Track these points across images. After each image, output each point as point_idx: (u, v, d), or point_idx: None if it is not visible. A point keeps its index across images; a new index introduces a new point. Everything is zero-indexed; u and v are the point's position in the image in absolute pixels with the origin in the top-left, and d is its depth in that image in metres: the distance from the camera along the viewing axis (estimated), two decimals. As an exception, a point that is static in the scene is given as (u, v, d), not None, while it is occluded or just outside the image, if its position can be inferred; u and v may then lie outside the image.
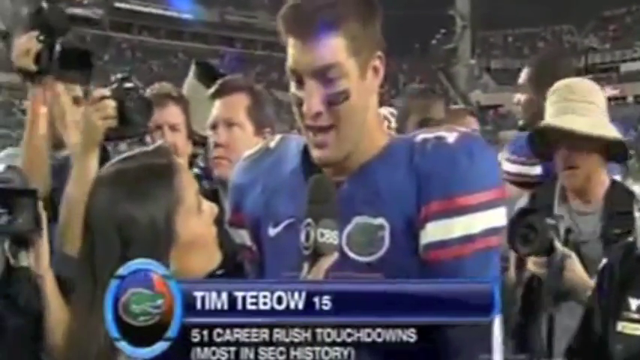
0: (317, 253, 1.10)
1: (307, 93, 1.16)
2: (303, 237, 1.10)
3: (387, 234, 1.17)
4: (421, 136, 1.22)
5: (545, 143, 1.94)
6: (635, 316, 1.47)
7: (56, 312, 1.60)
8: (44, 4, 1.82)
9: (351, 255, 1.18)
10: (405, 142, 1.22)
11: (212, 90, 2.02)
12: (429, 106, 2.56)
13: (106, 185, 1.13)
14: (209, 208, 1.19)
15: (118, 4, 42.32)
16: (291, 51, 1.18)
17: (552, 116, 1.93)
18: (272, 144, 1.36)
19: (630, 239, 1.58)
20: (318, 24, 1.14)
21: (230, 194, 1.38)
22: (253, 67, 43.44)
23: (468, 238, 1.15)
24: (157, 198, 1.11)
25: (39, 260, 1.59)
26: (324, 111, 1.17)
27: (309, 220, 1.10)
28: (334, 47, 1.15)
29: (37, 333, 1.65)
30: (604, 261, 1.61)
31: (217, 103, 1.99)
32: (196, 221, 1.15)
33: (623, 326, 1.48)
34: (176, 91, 2.29)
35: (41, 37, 1.80)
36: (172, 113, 2.17)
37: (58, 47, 1.81)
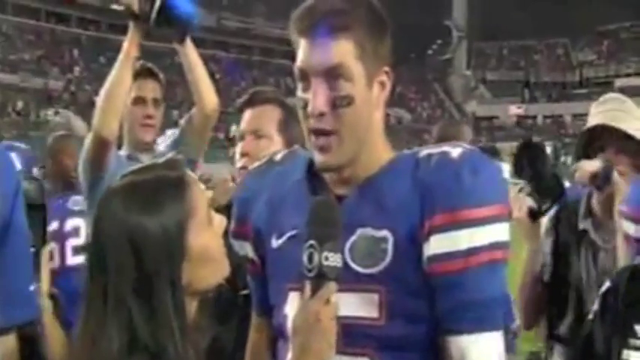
0: (320, 275, 1.10)
1: (313, 92, 1.18)
2: (305, 258, 1.10)
3: (390, 246, 1.17)
4: (426, 151, 1.23)
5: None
6: None
7: (54, 339, 1.58)
8: None
9: (354, 266, 1.18)
10: (410, 157, 1.23)
11: (242, 100, 2.02)
12: None
13: (119, 196, 1.12)
14: (218, 220, 1.19)
15: (114, 6, 42.29)
16: (301, 52, 1.20)
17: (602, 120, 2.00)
18: (278, 157, 1.37)
19: (637, 261, 1.50)
20: (329, 25, 1.17)
21: (235, 206, 1.38)
22: (250, 72, 43.47)
23: (472, 251, 1.14)
24: (170, 210, 1.10)
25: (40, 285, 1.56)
26: (328, 112, 1.18)
27: (313, 242, 1.10)
28: (343, 49, 1.17)
29: None
30: (607, 284, 1.54)
31: (247, 113, 1.96)
32: (207, 234, 1.15)
33: (628, 354, 1.41)
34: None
35: None
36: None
37: (158, 2, 1.99)
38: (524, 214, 2.03)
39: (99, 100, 2.27)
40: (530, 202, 2.03)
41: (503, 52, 49.87)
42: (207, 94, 2.41)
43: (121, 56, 2.25)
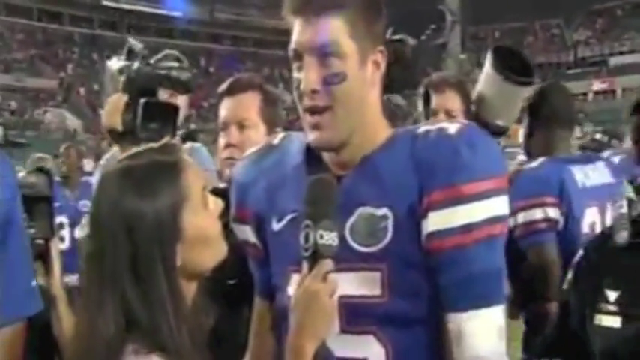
0: (316, 254, 1.11)
1: (305, 70, 1.19)
2: (302, 238, 1.12)
3: (390, 224, 1.18)
4: (423, 127, 1.23)
5: None
6: (612, 307, 1.40)
7: (67, 327, 1.62)
8: (134, 68, 1.78)
9: (355, 245, 1.19)
10: (408, 134, 1.24)
11: (222, 87, 1.98)
12: None
13: (114, 181, 1.15)
14: (215, 203, 1.21)
15: (106, 3, 42.06)
16: (294, 32, 1.21)
17: None
18: (275, 141, 1.38)
19: (605, 229, 1.54)
20: (321, 3, 1.18)
21: (233, 191, 1.39)
22: (243, 64, 43.34)
23: (470, 227, 1.15)
24: (164, 194, 1.13)
25: (52, 275, 1.62)
26: (321, 89, 1.19)
27: (308, 221, 1.12)
28: (334, 27, 1.18)
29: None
30: (580, 252, 1.56)
31: (228, 101, 1.93)
32: (202, 217, 1.17)
33: (600, 319, 1.42)
34: (456, 77, 2.37)
35: (129, 100, 1.76)
36: (449, 98, 2.22)
37: (141, 101, 1.75)
38: None
39: None
40: None
41: (497, 34, 49.75)
42: None
43: None
